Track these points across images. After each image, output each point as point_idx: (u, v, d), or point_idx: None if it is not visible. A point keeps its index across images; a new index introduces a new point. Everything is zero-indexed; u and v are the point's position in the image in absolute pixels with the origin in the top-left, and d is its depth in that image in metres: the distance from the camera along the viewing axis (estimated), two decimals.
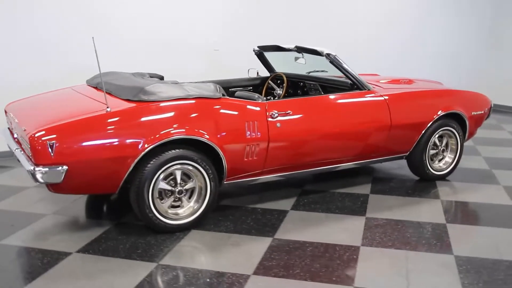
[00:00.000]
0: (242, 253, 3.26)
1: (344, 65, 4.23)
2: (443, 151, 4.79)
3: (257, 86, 5.28)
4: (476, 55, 8.77)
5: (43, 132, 3.09)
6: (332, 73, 4.55)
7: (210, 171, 3.55)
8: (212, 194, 3.61)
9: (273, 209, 4.02)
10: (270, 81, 5.18)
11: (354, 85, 4.30)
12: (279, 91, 4.99)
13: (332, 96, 4.19)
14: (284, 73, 5.05)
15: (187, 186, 3.56)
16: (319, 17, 7.14)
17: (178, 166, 3.46)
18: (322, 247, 3.35)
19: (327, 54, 4.21)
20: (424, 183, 4.71)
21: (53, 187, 3.21)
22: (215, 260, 3.20)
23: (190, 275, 2.97)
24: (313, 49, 4.33)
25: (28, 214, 3.85)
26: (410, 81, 5.13)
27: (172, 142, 3.41)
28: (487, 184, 4.71)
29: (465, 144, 5.87)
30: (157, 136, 3.31)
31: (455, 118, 4.75)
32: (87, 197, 4.23)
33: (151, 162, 3.34)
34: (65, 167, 3.10)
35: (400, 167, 5.16)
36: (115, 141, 3.24)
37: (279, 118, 3.78)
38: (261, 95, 5.13)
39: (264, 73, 5.35)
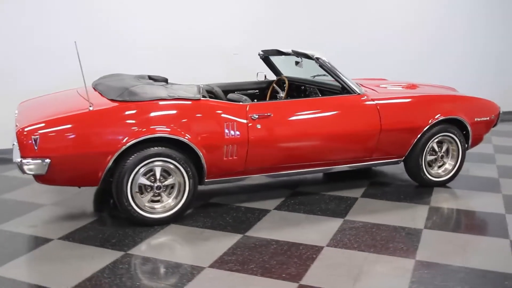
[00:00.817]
0: (207, 247, 3.42)
1: (334, 69, 4.29)
2: (442, 157, 4.70)
3: (264, 89, 5.42)
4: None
5: (29, 128, 3.40)
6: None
7: (188, 169, 3.73)
8: (191, 191, 3.79)
9: (256, 208, 4.15)
10: (274, 85, 5.30)
11: (344, 89, 4.34)
12: (281, 94, 5.10)
13: (316, 100, 4.26)
14: (288, 77, 5.16)
15: (166, 182, 3.76)
16: (339, 21, 7.16)
17: (157, 163, 3.66)
18: (286, 245, 3.44)
19: (316, 58, 4.29)
20: (421, 189, 4.66)
21: (39, 179, 3.51)
22: (178, 252, 3.39)
23: (149, 264, 3.17)
24: (305, 53, 4.42)
25: (30, 204, 4.20)
26: (414, 86, 5.09)
27: (152, 140, 3.62)
28: (487, 192, 4.60)
29: (483, 151, 5.77)
30: (134, 134, 3.53)
31: (457, 124, 4.66)
32: (90, 190, 4.53)
33: (130, 159, 3.58)
34: (48, 160, 3.40)
35: (403, 172, 5.11)
36: (95, 137, 3.49)
37: (259, 120, 3.90)
38: (266, 98, 5.26)
39: (273, 76, 5.47)
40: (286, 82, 5.07)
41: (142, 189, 3.72)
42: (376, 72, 6.62)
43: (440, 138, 4.61)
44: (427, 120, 4.47)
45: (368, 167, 4.77)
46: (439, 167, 4.77)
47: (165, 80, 4.76)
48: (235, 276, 3.02)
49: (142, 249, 3.37)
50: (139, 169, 3.62)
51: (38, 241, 3.49)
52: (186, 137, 3.67)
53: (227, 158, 3.86)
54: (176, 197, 3.80)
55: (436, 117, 4.50)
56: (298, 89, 5.13)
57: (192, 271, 3.08)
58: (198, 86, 3.98)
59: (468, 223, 3.93)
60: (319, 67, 4.32)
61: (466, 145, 4.81)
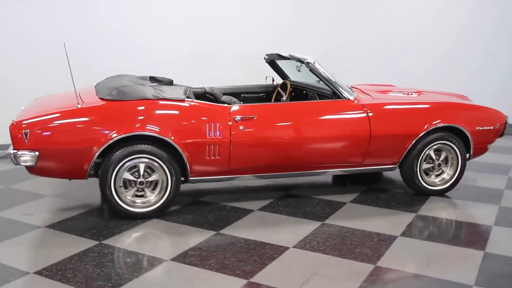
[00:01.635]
0: (177, 242, 3.58)
1: (324, 74, 4.32)
2: (439, 165, 4.61)
3: (270, 92, 5.51)
4: None
5: (21, 123, 3.69)
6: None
7: (171, 167, 3.90)
8: (173, 189, 3.95)
9: (241, 208, 4.25)
10: (279, 88, 5.38)
11: (335, 93, 4.37)
12: (284, 97, 5.18)
13: (301, 104, 4.32)
14: (293, 81, 5.22)
15: (150, 179, 3.95)
16: (361, 26, 7.12)
17: (141, 160, 3.86)
18: (253, 244, 3.53)
19: (307, 62, 4.34)
20: (417, 197, 4.59)
21: (30, 170, 3.80)
22: (148, 245, 3.56)
23: (116, 254, 3.36)
24: (298, 57, 4.49)
25: (34, 194, 4.52)
26: (418, 93, 5.01)
27: (137, 138, 3.82)
28: (484, 204, 4.47)
29: (498, 162, 5.58)
30: (118, 131, 3.74)
31: (457, 133, 4.56)
32: (95, 183, 4.78)
33: (115, 154, 3.79)
34: (36, 153, 3.68)
35: None
36: (80, 133, 3.74)
37: (242, 121, 4.01)
38: (271, 101, 5.35)
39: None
40: (288, 86, 5.13)
41: (127, 184, 3.92)
42: (397, 78, 6.54)
43: (438, 146, 4.52)
44: (421, 127, 4.41)
45: (364, 173, 4.75)
46: (437, 175, 4.67)
47: (170, 82, 4.97)
48: (191, 270, 3.15)
49: (116, 240, 3.57)
50: (123, 164, 3.83)
51: (26, 228, 3.76)
52: (169, 136, 3.84)
53: (210, 157, 4.00)
54: (158, 194, 3.97)
55: (431, 124, 4.42)
56: (300, 93, 5.19)
57: (153, 262, 3.24)
58: (185, 88, 4.14)
59: (449, 233, 3.86)
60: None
61: (468, 155, 4.69)
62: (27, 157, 3.68)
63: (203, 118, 3.96)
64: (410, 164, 4.50)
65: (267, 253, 3.40)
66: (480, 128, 4.63)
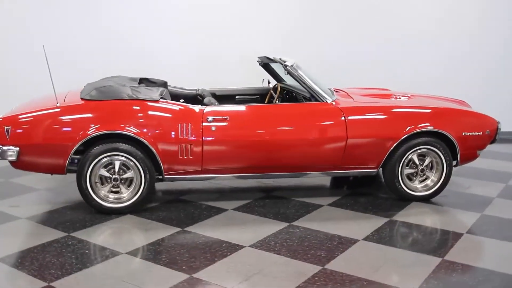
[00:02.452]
0: (139, 237, 3.74)
1: (301, 77, 4.35)
2: (422, 170, 4.53)
3: (265, 95, 5.58)
4: None
5: (3, 120, 3.95)
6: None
7: (144, 165, 4.05)
8: (146, 186, 4.11)
9: (216, 207, 4.35)
10: (272, 91, 5.45)
11: (312, 96, 4.39)
12: (274, 100, 5.24)
13: (275, 106, 4.37)
14: (285, 84, 5.26)
15: (125, 176, 4.11)
16: (375, 30, 7.06)
17: (116, 157, 4.03)
18: (211, 242, 3.63)
19: (284, 65, 4.39)
20: (399, 203, 4.52)
21: (13, 164, 4.06)
22: (111, 238, 3.72)
23: (78, 245, 3.54)
24: (278, 60, 4.54)
25: (27, 188, 4.81)
26: (409, 97, 4.94)
27: (113, 136, 4.00)
28: (466, 211, 4.35)
29: (501, 169, 5.42)
30: (92, 130, 3.93)
31: (443, 138, 4.48)
32: None
33: (90, 152, 3.99)
34: (17, 148, 3.92)
35: None
36: (57, 130, 3.96)
37: (214, 122, 4.11)
38: (265, 103, 5.42)
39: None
40: (278, 88, 5.19)
41: (103, 180, 4.10)
42: (408, 82, 6.51)
43: (422, 151, 4.44)
44: (400, 132, 4.35)
45: (345, 176, 4.72)
46: (422, 181, 4.59)
47: (164, 83, 5.14)
48: (142, 263, 3.29)
49: (84, 233, 3.75)
50: (98, 161, 4.01)
51: (8, 219, 4.02)
52: (142, 135, 3.99)
53: (183, 157, 4.12)
54: (133, 190, 4.12)
55: (412, 129, 4.35)
56: (291, 95, 5.23)
57: (108, 255, 3.39)
58: (162, 89, 4.29)
59: (414, 239, 3.78)
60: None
61: (456, 161, 4.58)
62: (9, 152, 3.92)
63: (176, 119, 4.09)
64: (391, 168, 4.45)
65: (221, 250, 3.48)
66: (467, 134, 4.51)
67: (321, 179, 5.18)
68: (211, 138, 4.11)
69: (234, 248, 3.53)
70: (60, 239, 3.64)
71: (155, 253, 3.44)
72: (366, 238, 3.73)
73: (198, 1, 6.72)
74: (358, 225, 3.97)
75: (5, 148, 3.93)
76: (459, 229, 3.94)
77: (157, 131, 4.05)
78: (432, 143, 4.43)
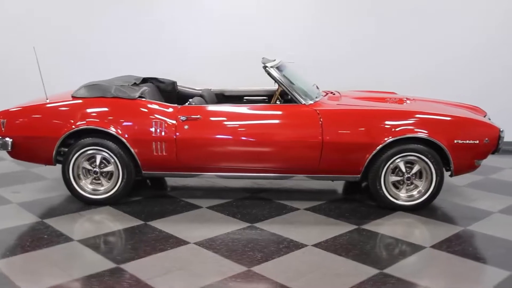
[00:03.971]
0: (101, 227, 3.98)
1: (278, 78, 4.33)
2: (408, 179, 4.29)
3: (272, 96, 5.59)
4: None
5: (0, 113, 4.39)
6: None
7: (121, 160, 4.29)
8: (124, 180, 4.34)
9: (193, 204, 4.47)
10: (276, 92, 5.45)
11: (291, 97, 4.35)
12: (277, 100, 5.25)
13: (249, 106, 4.37)
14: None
15: (106, 169, 4.38)
16: (393, 31, 6.76)
17: (98, 151, 4.31)
18: (162, 236, 3.76)
19: (264, 66, 4.39)
20: (382, 212, 4.31)
21: (9, 154, 4.49)
22: (71, 226, 3.95)
23: (44, 230, 3.82)
24: (263, 61, 4.55)
25: (39, 177, 5.27)
26: (400, 100, 4.71)
27: (94, 131, 4.28)
28: (449, 225, 4.05)
29: None
30: (73, 124, 4.25)
31: (435, 146, 4.22)
32: None
33: (73, 145, 4.30)
34: (10, 139, 4.34)
35: None
36: (45, 124, 4.32)
37: (187, 121, 4.23)
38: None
39: None
40: (278, 90, 5.18)
41: (85, 172, 4.40)
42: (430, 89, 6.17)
43: (410, 158, 4.22)
44: (382, 137, 4.16)
45: (330, 180, 4.58)
46: (410, 190, 4.34)
47: (172, 83, 5.36)
48: (85, 250, 3.50)
49: (54, 220, 4.05)
50: (81, 154, 4.31)
51: (2, 202, 4.44)
52: (118, 132, 4.23)
53: (157, 154, 4.29)
54: (112, 184, 4.37)
55: (396, 134, 4.15)
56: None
57: (59, 240, 3.65)
58: (144, 89, 4.48)
59: (363, 249, 3.57)
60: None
61: (450, 171, 4.29)
62: (4, 143, 4.35)
63: (151, 117, 4.27)
64: (373, 175, 4.27)
65: (164, 245, 3.59)
66: (460, 142, 4.19)
67: (329, 183, 5.06)
68: (183, 136, 4.23)
69: (178, 243, 3.62)
70: (30, 223, 3.99)
71: (100, 243, 3.63)
72: (316, 244, 3.62)
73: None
74: (318, 231, 3.87)
75: (2, 139, 4.35)
76: (424, 243, 3.68)
77: (133, 128, 4.25)
78: (420, 150, 4.17)
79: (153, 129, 4.24)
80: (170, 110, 4.29)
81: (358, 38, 6.78)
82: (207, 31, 6.86)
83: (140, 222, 4.03)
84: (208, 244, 3.61)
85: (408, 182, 4.30)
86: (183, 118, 4.24)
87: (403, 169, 4.27)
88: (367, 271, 3.21)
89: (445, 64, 6.70)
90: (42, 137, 4.32)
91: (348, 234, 3.82)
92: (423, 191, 4.29)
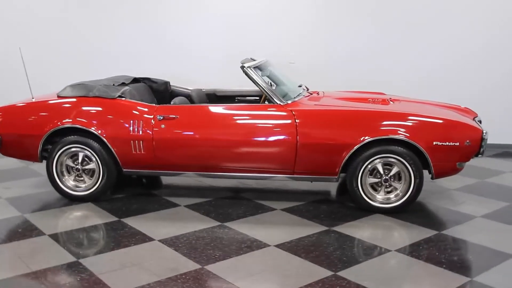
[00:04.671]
0: (74, 222, 4.08)
1: (255, 78, 4.33)
2: (386, 181, 4.22)
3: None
4: None
5: None
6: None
7: (102, 157, 4.40)
8: (104, 178, 4.45)
9: (172, 202, 4.53)
10: None
11: (266, 97, 4.35)
12: (262, 101, 5.26)
13: (225, 106, 4.39)
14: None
15: (88, 167, 4.50)
16: (394, 33, 6.63)
17: (80, 149, 4.44)
18: (130, 233, 3.83)
19: (241, 66, 4.41)
20: (359, 214, 4.25)
21: (0, 151, 4.66)
22: (47, 220, 4.08)
23: (22, 225, 3.96)
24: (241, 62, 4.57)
25: (35, 173, 5.44)
26: (383, 101, 4.63)
27: (77, 130, 4.41)
28: (424, 229, 3.95)
29: None
30: (54, 123, 4.38)
31: (413, 148, 4.14)
32: None
33: (56, 143, 4.44)
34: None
35: None
36: (29, 122, 4.48)
37: (163, 121, 4.30)
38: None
39: None
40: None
41: (69, 169, 4.53)
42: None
43: (389, 159, 4.15)
44: (357, 138, 4.11)
45: (308, 180, 4.54)
46: (388, 192, 4.27)
47: (165, 83, 5.46)
48: (52, 244, 3.60)
49: (33, 215, 4.19)
50: (64, 151, 4.44)
51: None
52: (97, 130, 4.33)
53: (136, 152, 4.37)
54: (93, 181, 4.49)
55: (372, 135, 4.09)
56: None
57: (31, 234, 3.79)
58: (125, 88, 4.57)
59: (327, 251, 3.51)
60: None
61: (431, 173, 4.20)
62: None
63: (129, 116, 4.35)
64: (351, 176, 4.22)
65: (129, 241, 3.67)
66: (439, 144, 4.09)
67: (317, 184, 5.02)
68: (160, 135, 4.29)
69: (142, 240, 3.69)
70: (11, 218, 4.13)
71: (65, 236, 3.74)
72: (279, 245, 3.61)
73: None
74: (286, 232, 3.85)
75: None
76: (391, 246, 3.61)
77: (111, 127, 4.35)
78: (397, 152, 4.10)
79: (131, 128, 4.32)
80: (149, 109, 4.36)
81: (359, 39, 6.69)
82: (210, 32, 6.92)
83: (115, 219, 4.12)
84: (172, 242, 3.65)
85: (386, 184, 4.22)
86: (160, 117, 4.30)
87: (381, 171, 4.20)
88: (320, 273, 3.18)
89: (448, 65, 6.54)
90: (28, 135, 4.47)
91: (316, 236, 3.79)
92: (400, 194, 4.21)
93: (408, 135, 4.06)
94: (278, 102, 4.27)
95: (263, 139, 4.21)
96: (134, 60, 6.98)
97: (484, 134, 4.16)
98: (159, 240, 3.69)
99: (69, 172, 4.55)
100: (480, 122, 4.79)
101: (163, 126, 4.29)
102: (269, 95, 4.31)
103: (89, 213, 4.28)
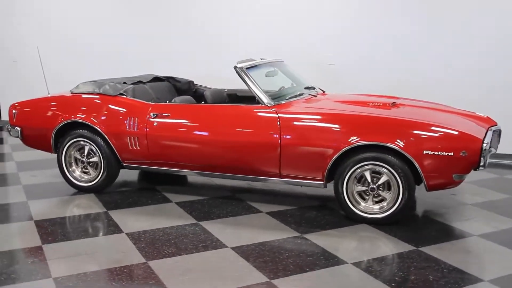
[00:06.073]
0: (66, 212, 4.36)
1: (246, 78, 4.29)
2: (372, 190, 3.98)
3: None
4: None
5: (12, 105, 5.05)
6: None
7: (103, 151, 4.65)
8: (106, 170, 4.69)
9: (166, 198, 4.64)
10: None
11: (254, 98, 4.31)
12: None
13: (215, 106, 4.42)
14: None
15: (92, 160, 4.79)
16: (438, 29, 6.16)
17: (85, 143, 4.73)
18: (106, 225, 4.02)
19: (234, 66, 4.40)
20: (344, 222, 4.04)
21: (22, 141, 5.12)
22: (46, 209, 4.37)
23: (19, 210, 4.32)
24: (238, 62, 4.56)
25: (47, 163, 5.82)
26: (384, 105, 4.37)
27: (82, 124, 4.71)
28: (403, 243, 3.66)
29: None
30: (64, 117, 4.72)
31: (403, 156, 3.87)
32: None
33: (65, 136, 4.78)
34: (19, 128, 4.97)
35: None
36: (43, 116, 4.85)
37: (156, 118, 4.44)
38: None
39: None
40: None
41: (77, 162, 4.85)
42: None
43: (378, 167, 3.91)
44: (341, 143, 3.93)
45: (297, 185, 4.39)
46: (377, 202, 4.03)
47: (188, 82, 5.64)
48: (31, 230, 3.88)
49: (36, 202, 4.54)
50: (71, 144, 4.76)
51: (12, 182, 5.09)
52: (98, 125, 4.59)
53: (132, 148, 4.56)
54: (97, 173, 4.75)
55: (354, 140, 3.89)
56: None
57: (24, 219, 4.12)
58: (129, 86, 4.77)
59: (279, 258, 3.36)
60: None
61: (425, 184, 3.89)
62: (15, 131, 4.99)
63: (126, 113, 4.54)
64: (336, 182, 4.05)
65: (98, 232, 3.88)
66: (430, 153, 3.76)
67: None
68: (152, 132, 4.43)
69: (113, 232, 3.85)
70: (13, 204, 4.50)
71: (50, 225, 3.99)
72: (236, 247, 3.56)
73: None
74: (252, 235, 3.78)
75: (13, 128, 4.98)
76: (350, 259, 3.39)
77: (110, 123, 4.57)
78: (385, 159, 3.84)
79: (127, 124, 4.50)
80: (143, 107, 4.51)
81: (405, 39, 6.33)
82: (247, 30, 6.95)
83: (103, 210, 4.33)
84: (137, 236, 3.75)
85: (373, 193, 3.97)
86: (153, 115, 4.43)
87: (369, 179, 3.95)
88: (255, 279, 3.09)
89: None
90: (42, 128, 4.84)
91: (280, 241, 3.67)
92: (386, 205, 3.94)
93: (396, 142, 3.78)
94: (266, 103, 4.19)
95: (247, 139, 4.16)
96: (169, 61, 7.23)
97: (485, 144, 3.74)
98: (127, 233, 3.81)
99: (77, 164, 4.83)
100: (500, 132, 4.33)
101: (155, 123, 4.42)
102: (257, 95, 4.25)
103: (85, 202, 4.54)
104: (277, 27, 6.83)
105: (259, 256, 3.41)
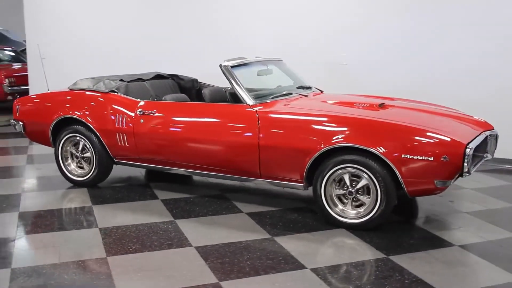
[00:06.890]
0: (53, 204, 4.47)
1: (232, 77, 4.24)
2: (350, 193, 3.85)
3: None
4: None
5: (16, 101, 5.24)
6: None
7: (94, 146, 4.75)
8: (98, 165, 4.79)
9: (154, 195, 4.67)
10: None
11: (237, 97, 4.26)
12: None
13: (198, 104, 4.42)
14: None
15: (86, 155, 4.90)
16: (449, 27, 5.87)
17: (78, 138, 4.85)
18: (84, 219, 4.09)
19: (220, 65, 4.38)
20: (323, 226, 3.92)
21: (25, 135, 5.31)
22: (35, 202, 4.51)
23: (9, 202, 4.48)
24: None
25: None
26: (371, 106, 4.21)
27: (74, 120, 4.82)
28: (372, 249, 3.51)
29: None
30: (59, 113, 4.85)
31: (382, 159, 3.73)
32: None
33: (61, 131, 4.92)
34: (21, 123, 5.16)
35: None
36: (43, 111, 5.01)
37: (143, 115, 4.49)
38: None
39: None
40: None
41: (73, 156, 4.97)
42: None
43: (356, 170, 3.78)
44: (317, 145, 3.82)
45: (279, 186, 4.29)
46: (357, 206, 3.90)
47: (193, 80, 5.68)
48: (13, 221, 4.01)
49: (29, 194, 4.70)
50: (67, 139, 4.89)
51: (16, 174, 5.29)
52: (89, 121, 4.69)
53: (121, 144, 4.63)
54: (90, 168, 4.86)
55: (331, 142, 3.77)
56: None
57: (12, 210, 4.26)
58: (120, 83, 4.83)
59: (239, 259, 3.30)
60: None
61: (405, 190, 3.72)
62: (18, 125, 5.18)
63: (115, 109, 4.61)
64: (314, 184, 3.95)
65: (74, 226, 3.93)
66: (410, 157, 3.59)
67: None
68: (139, 130, 4.48)
69: (88, 226, 3.92)
70: (10, 195, 4.67)
71: (30, 216, 4.12)
72: (200, 247, 3.52)
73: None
74: (222, 235, 3.73)
75: (16, 122, 5.18)
76: (310, 264, 3.27)
77: (101, 119, 4.65)
78: (362, 162, 3.71)
79: (116, 121, 4.57)
80: (132, 104, 4.56)
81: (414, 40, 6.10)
82: (264, 30, 6.91)
83: (88, 205, 4.41)
84: (108, 231, 3.80)
85: (351, 197, 3.83)
86: (140, 112, 4.47)
87: (347, 182, 3.82)
88: (205, 279, 3.05)
89: None
90: (40, 122, 5.00)
91: (247, 243, 3.61)
92: (363, 211, 3.80)
93: (372, 144, 3.63)
94: (247, 102, 4.14)
95: (227, 139, 4.12)
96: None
97: (468, 150, 3.52)
98: (100, 228, 3.86)
99: (72, 159, 4.95)
100: (496, 137, 4.08)
101: (142, 121, 4.45)
102: (239, 94, 4.20)
103: (74, 197, 4.65)
104: (286, 25, 6.74)
105: (219, 256, 3.36)
